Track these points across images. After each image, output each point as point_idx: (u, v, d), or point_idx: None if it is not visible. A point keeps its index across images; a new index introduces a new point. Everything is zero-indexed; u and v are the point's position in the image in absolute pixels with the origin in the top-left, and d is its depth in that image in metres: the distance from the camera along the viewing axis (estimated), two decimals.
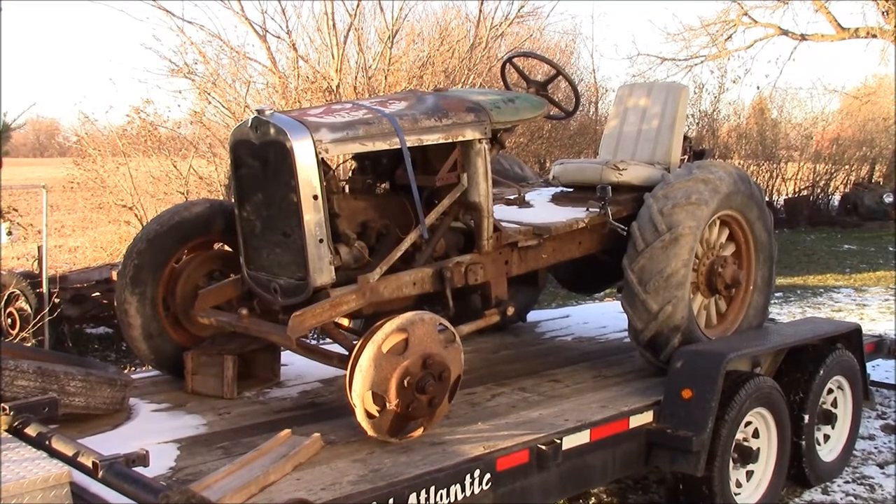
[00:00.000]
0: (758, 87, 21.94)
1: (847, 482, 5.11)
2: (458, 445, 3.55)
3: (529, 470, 3.56)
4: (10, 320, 7.24)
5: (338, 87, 10.10)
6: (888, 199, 19.86)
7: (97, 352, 7.82)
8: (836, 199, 20.99)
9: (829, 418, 5.11)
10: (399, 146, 3.89)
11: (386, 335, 3.43)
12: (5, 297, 7.15)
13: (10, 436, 3.18)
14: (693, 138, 6.50)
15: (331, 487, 3.09)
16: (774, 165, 19.48)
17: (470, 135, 4.20)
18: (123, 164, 11.04)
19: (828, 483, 5.05)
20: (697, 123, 17.42)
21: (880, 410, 6.39)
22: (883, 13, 20.37)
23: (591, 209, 4.86)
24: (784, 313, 9.72)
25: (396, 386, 3.43)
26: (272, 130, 3.70)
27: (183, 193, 10.43)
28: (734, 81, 18.72)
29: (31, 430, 3.22)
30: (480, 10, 11.95)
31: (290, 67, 10.59)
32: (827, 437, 5.15)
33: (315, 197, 3.67)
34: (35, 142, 45.63)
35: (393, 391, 3.43)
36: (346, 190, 4.32)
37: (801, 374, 4.85)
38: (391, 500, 3.09)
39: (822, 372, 4.86)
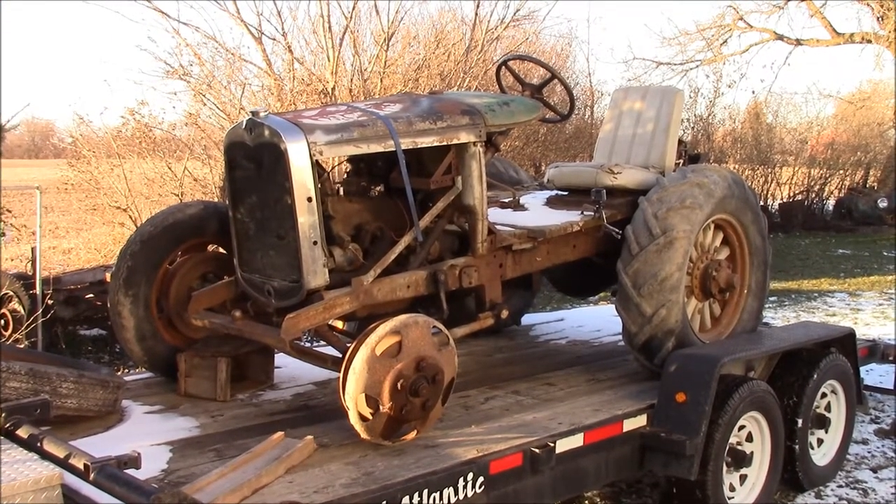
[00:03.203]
0: (753, 92, 22.03)
1: (840, 486, 5.11)
2: (451, 448, 3.54)
3: (523, 473, 3.56)
4: (2, 322, 7.22)
5: (333, 89, 10.10)
6: (882, 203, 19.89)
7: (90, 353, 7.80)
8: (831, 203, 21.04)
9: (823, 422, 5.11)
10: (394, 148, 3.89)
11: (379, 338, 3.42)
12: None
13: (1, 437, 3.16)
14: (688, 142, 6.51)
15: (323, 490, 3.08)
16: (769, 170, 19.53)
17: (465, 138, 4.20)
18: (118, 165, 11.02)
19: (821, 487, 5.05)
20: (693, 128, 17.47)
21: (874, 415, 6.40)
22: (878, 18, 20.46)
23: (585, 212, 4.87)
24: (778, 317, 9.73)
25: (390, 389, 3.42)
26: (266, 132, 3.69)
27: (178, 195, 10.40)
28: (729, 86, 18.82)
29: (22, 432, 3.21)
30: (476, 14, 11.96)
31: (286, 70, 10.58)
32: (820, 442, 5.15)
33: (309, 199, 3.66)
34: (30, 143, 45.49)
35: (386, 394, 3.42)
36: (341, 192, 4.32)
37: (794, 379, 4.85)
38: (384, 503, 3.08)
39: (815, 376, 4.86)
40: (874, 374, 6.67)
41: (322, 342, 4.49)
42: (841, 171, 21.30)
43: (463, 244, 4.43)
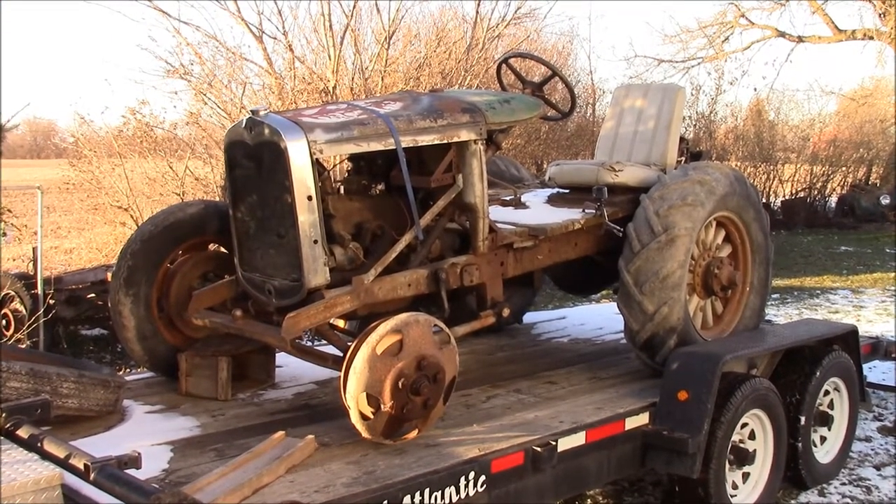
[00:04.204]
0: (755, 89, 22.05)
1: (843, 484, 5.10)
2: (452, 447, 3.53)
3: (524, 472, 3.55)
4: (4, 322, 7.22)
5: (334, 88, 10.09)
6: (885, 200, 19.85)
7: (92, 353, 7.80)
8: (833, 200, 20.99)
9: (826, 420, 5.10)
10: (394, 147, 3.88)
11: (380, 336, 3.41)
12: (0, 299, 7.13)
13: (2, 437, 3.16)
14: (690, 140, 6.49)
15: (324, 490, 3.07)
16: (771, 167, 19.48)
17: (465, 136, 4.19)
18: (119, 165, 11.02)
19: (824, 485, 5.04)
20: (695, 125, 17.43)
21: (877, 412, 6.38)
22: (880, 15, 20.43)
23: (587, 210, 4.85)
24: (781, 315, 9.71)
25: (391, 387, 3.41)
26: (266, 131, 3.68)
27: (179, 195, 10.40)
28: (731, 83, 18.78)
29: (22, 432, 3.21)
30: (477, 12, 11.94)
31: (287, 68, 10.58)
32: (823, 439, 5.14)
33: (309, 198, 3.65)
34: (32, 143, 45.52)
35: (387, 393, 3.41)
36: (341, 191, 4.31)
37: (797, 376, 4.84)
38: (385, 503, 3.07)
39: (818, 373, 4.85)
40: (877, 371, 6.65)
41: (323, 341, 4.48)
42: (843, 168, 21.24)
43: (464, 242, 4.42)
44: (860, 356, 5.32)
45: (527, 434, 3.69)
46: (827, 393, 5.11)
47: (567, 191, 5.39)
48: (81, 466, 2.88)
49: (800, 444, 4.76)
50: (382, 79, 10.67)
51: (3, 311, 7.23)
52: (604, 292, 7.55)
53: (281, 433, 3.48)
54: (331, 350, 4.06)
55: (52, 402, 3.52)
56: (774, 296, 10.60)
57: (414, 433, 3.60)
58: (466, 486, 3.32)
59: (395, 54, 11.51)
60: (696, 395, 4.10)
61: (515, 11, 12.22)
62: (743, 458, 4.39)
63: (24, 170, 23.81)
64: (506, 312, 4.40)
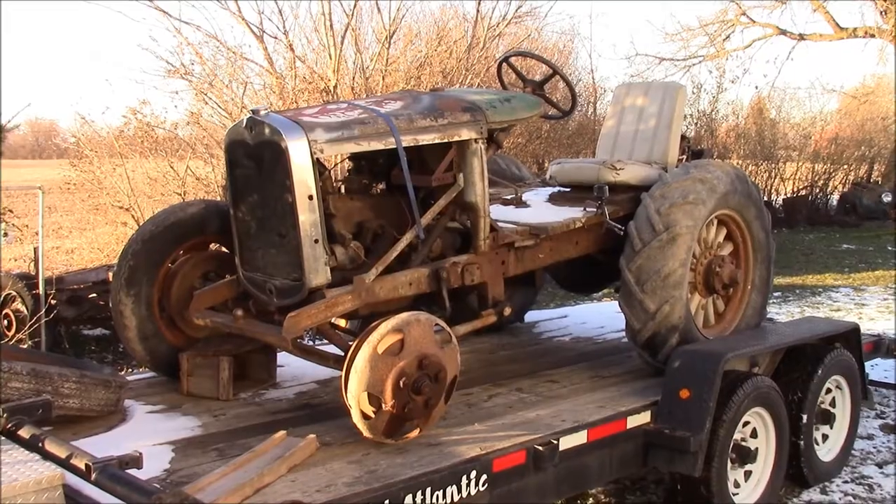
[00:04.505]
0: (756, 87, 22.00)
1: (846, 482, 5.09)
2: (454, 446, 3.53)
3: (526, 471, 3.55)
4: (6, 322, 7.23)
5: (335, 87, 10.08)
6: (887, 198, 19.85)
7: (94, 353, 7.80)
8: (835, 198, 20.99)
9: (828, 418, 5.10)
10: (394, 146, 3.88)
11: (381, 336, 3.41)
12: (1, 299, 7.13)
13: (3, 438, 3.16)
14: (691, 138, 6.48)
15: (326, 489, 3.07)
16: (773, 165, 19.48)
17: (466, 134, 4.19)
18: (120, 165, 11.01)
19: (826, 483, 5.04)
20: (696, 123, 17.42)
21: (879, 410, 6.38)
22: (881, 13, 20.39)
23: (588, 209, 4.85)
24: (783, 313, 9.70)
25: (392, 387, 3.41)
26: (267, 130, 3.68)
27: (180, 195, 10.39)
28: (732, 81, 18.76)
29: (24, 432, 3.21)
30: (478, 11, 11.94)
31: (287, 68, 10.57)
32: (825, 437, 5.14)
33: (310, 197, 3.65)
34: (34, 143, 45.51)
35: (389, 392, 3.41)
36: (342, 190, 4.31)
37: (799, 374, 4.83)
38: (387, 502, 3.07)
39: (820, 371, 4.84)
40: (879, 369, 6.65)
41: (324, 340, 4.48)
42: (845, 166, 21.24)
43: (465, 241, 4.42)
44: (862, 354, 5.32)
45: (528, 433, 3.69)
46: (829, 391, 5.11)
47: (568, 189, 5.38)
48: (83, 466, 2.88)
49: (802, 442, 4.76)
50: (383, 78, 10.68)
51: (4, 312, 7.24)
52: (605, 291, 7.54)
53: (282, 433, 3.48)
54: (332, 349, 4.06)
55: (54, 402, 3.52)
56: (776, 294, 10.59)
57: (415, 432, 3.60)
58: (468, 485, 3.31)
59: (395, 53, 11.52)
60: (698, 393, 4.09)
61: (516, 10, 12.24)
62: (745, 456, 4.39)
63: (26, 170, 23.78)
64: (507, 311, 4.39)
